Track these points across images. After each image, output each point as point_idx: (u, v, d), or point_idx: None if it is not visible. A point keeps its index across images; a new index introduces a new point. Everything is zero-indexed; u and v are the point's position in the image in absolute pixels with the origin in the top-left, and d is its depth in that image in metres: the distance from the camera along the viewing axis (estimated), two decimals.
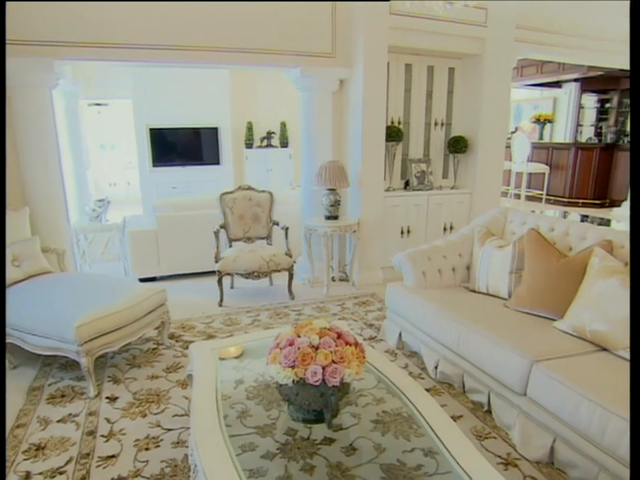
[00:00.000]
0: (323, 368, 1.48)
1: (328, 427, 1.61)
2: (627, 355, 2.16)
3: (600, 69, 8.43)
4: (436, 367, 2.85)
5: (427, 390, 2.73)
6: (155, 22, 3.80)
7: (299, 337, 1.55)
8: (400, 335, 3.25)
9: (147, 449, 2.25)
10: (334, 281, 4.79)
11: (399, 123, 4.84)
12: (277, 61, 4.24)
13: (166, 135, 7.28)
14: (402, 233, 4.83)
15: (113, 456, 2.21)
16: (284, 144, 7.97)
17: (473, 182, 5.01)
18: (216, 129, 7.48)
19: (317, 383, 1.48)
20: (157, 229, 4.70)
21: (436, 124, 5.04)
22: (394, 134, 4.59)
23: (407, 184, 4.94)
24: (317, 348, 1.52)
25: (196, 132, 7.45)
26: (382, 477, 1.49)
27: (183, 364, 3.06)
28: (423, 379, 2.89)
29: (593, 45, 6.23)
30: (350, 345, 1.57)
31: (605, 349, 2.27)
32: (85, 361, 2.67)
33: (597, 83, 9.90)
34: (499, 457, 2.19)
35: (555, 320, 2.53)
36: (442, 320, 2.75)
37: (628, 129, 10.08)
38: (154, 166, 7.26)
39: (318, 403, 1.57)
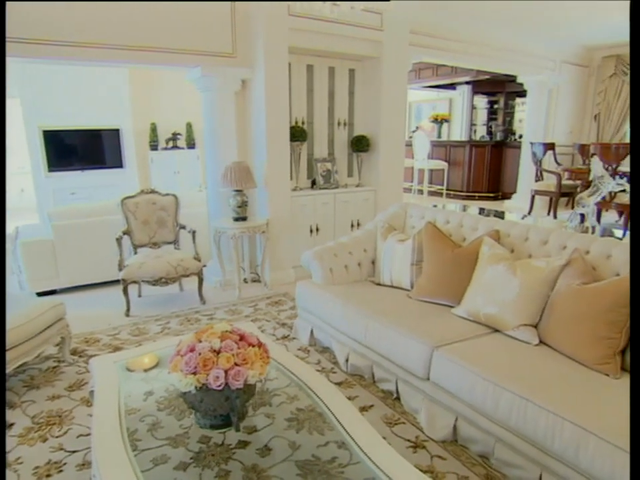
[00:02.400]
0: (225, 371, 1.46)
1: (236, 430, 1.59)
2: (516, 335, 2.35)
3: (487, 73, 9.11)
4: (347, 360, 2.92)
5: (339, 383, 2.82)
6: (46, 15, 3.52)
7: (200, 342, 1.52)
8: (312, 331, 3.29)
9: (48, 476, 2.09)
10: (246, 282, 4.75)
11: (303, 123, 4.90)
12: (176, 61, 4.11)
13: (62, 137, 6.75)
14: (311, 231, 4.90)
15: None
16: (191, 145, 7.76)
17: (377, 179, 5.20)
18: (117, 130, 7.10)
19: (220, 387, 1.46)
20: (53, 238, 4.39)
21: (339, 124, 5.17)
22: (298, 134, 4.65)
23: (313, 183, 5.02)
24: (218, 352, 1.49)
25: (96, 133, 7.00)
26: (297, 473, 1.50)
27: (87, 380, 2.87)
28: (335, 373, 2.96)
29: (479, 51, 6.73)
30: (253, 346, 1.57)
31: (497, 330, 2.45)
32: None
33: (486, 85, 10.68)
34: (409, 440, 2.30)
35: (453, 307, 2.70)
36: (349, 314, 2.83)
37: (514, 127, 10.99)
38: (50, 171, 6.71)
39: (224, 407, 1.55)
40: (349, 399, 2.62)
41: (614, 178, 4.40)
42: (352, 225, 5.13)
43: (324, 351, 3.24)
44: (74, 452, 2.24)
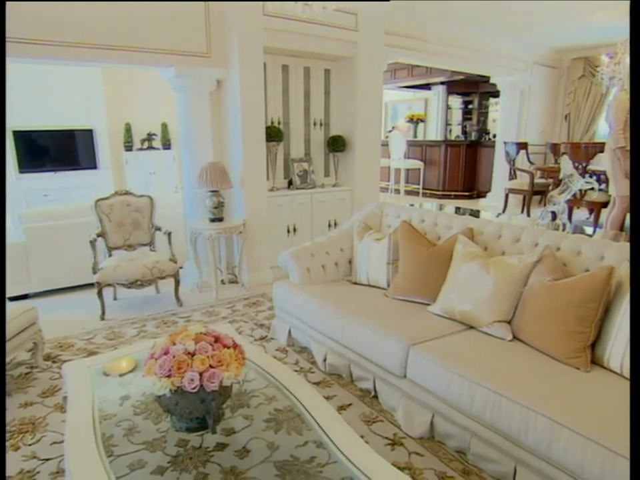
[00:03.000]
0: (200, 374, 1.45)
1: (212, 433, 1.58)
2: (490, 331, 2.39)
3: (461, 74, 9.24)
4: (325, 360, 2.93)
5: (317, 383, 2.82)
6: (16, 13, 3.42)
7: (174, 344, 1.50)
8: (289, 332, 3.29)
9: None
10: (223, 283, 4.72)
11: (279, 123, 4.89)
12: (149, 60, 4.05)
13: (34, 138, 6.57)
14: (288, 231, 4.89)
15: None
16: (166, 146, 7.66)
17: (353, 179, 5.22)
18: (91, 130, 6.97)
19: (195, 390, 1.45)
20: (25, 241, 4.29)
21: (315, 124, 5.17)
22: (274, 134, 4.63)
23: (290, 183, 5.01)
24: (193, 354, 1.48)
25: (69, 134, 6.83)
26: (276, 474, 1.50)
27: (61, 386, 2.81)
28: (313, 372, 2.96)
29: (453, 52, 6.83)
30: (228, 347, 1.56)
31: (472, 327, 2.49)
32: None
33: (460, 86, 10.83)
34: (387, 438, 2.31)
35: (429, 304, 2.73)
36: (327, 313, 2.83)
37: (488, 127, 11.16)
38: (21, 172, 6.55)
39: (199, 409, 1.54)
40: (327, 398, 2.64)
41: (583, 176, 4.52)
42: (329, 225, 5.14)
43: (302, 351, 3.24)
44: (47, 460, 2.20)
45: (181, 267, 4.40)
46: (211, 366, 1.47)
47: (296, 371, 2.97)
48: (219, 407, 1.59)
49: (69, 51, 3.69)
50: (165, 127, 7.61)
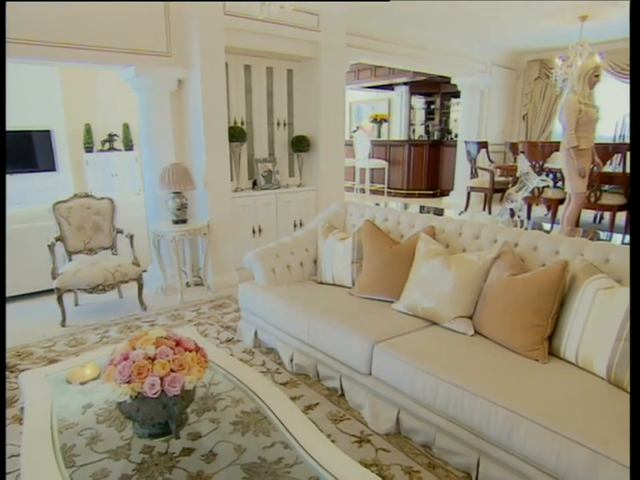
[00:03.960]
0: (161, 378, 1.43)
1: (175, 438, 1.56)
2: (452, 326, 2.44)
3: (423, 74, 9.40)
4: (291, 360, 2.93)
5: (284, 383, 2.82)
6: None
7: (134, 349, 1.47)
8: (256, 333, 3.27)
9: None
10: (189, 286, 4.66)
11: (242, 123, 4.86)
12: (107, 59, 3.95)
13: None
14: (254, 232, 4.86)
15: None
16: (128, 147, 7.49)
17: (318, 179, 5.23)
18: (49, 131, 6.75)
19: (156, 395, 1.42)
20: None
21: (279, 124, 5.16)
22: (237, 134, 4.60)
23: (254, 184, 4.98)
24: (153, 359, 1.46)
25: (25, 135, 6.58)
26: (243, 477, 1.49)
27: (19, 397, 2.71)
28: (280, 373, 2.95)
29: (414, 53, 6.94)
30: (190, 351, 1.54)
31: (435, 323, 2.53)
32: None
33: (422, 86, 11.01)
34: (354, 435, 2.33)
35: (393, 302, 2.76)
36: (292, 313, 2.83)
37: (450, 127, 11.39)
38: None
39: (161, 415, 1.51)
40: (295, 398, 2.64)
41: (539, 175, 4.67)
42: (295, 225, 5.14)
43: (268, 352, 3.22)
44: (6, 474, 2.12)
45: (144, 271, 4.31)
46: (172, 370, 1.45)
47: (263, 372, 2.96)
48: (181, 411, 1.57)
49: (21, 49, 3.55)
50: (126, 127, 7.45)
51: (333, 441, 2.22)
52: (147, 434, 1.59)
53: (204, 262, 4.53)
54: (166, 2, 4.12)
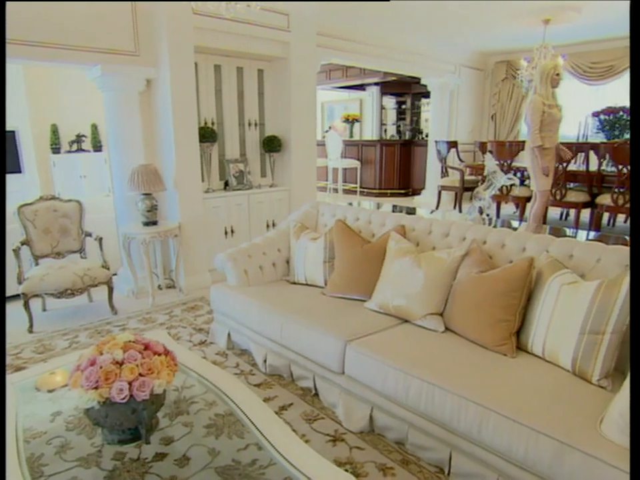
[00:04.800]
0: (129, 383, 1.40)
1: (146, 443, 1.54)
2: (424, 324, 2.47)
3: (394, 75, 9.49)
4: (265, 361, 2.92)
5: (258, 385, 2.81)
6: None
7: (102, 354, 1.45)
8: (229, 335, 3.25)
9: None
10: (160, 289, 4.59)
11: (213, 123, 4.82)
12: (72, 58, 3.85)
13: None
14: (226, 233, 4.83)
15: None
16: (97, 148, 7.33)
17: (290, 179, 5.23)
18: (13, 132, 6.54)
19: (125, 400, 1.40)
20: None
21: (250, 124, 5.14)
22: (208, 135, 4.56)
23: (226, 184, 4.95)
24: (121, 363, 1.43)
25: None
26: None
27: None
28: (254, 374, 2.94)
29: (385, 53, 7.00)
30: (159, 354, 1.52)
31: (406, 321, 2.56)
32: None
33: (394, 86, 11.11)
34: (328, 434, 2.33)
35: (365, 301, 2.78)
36: (265, 314, 2.83)
37: (421, 127, 11.53)
38: None
39: (130, 420, 1.49)
40: (269, 399, 2.64)
41: (507, 173, 4.77)
42: (267, 225, 5.13)
43: (242, 354, 3.21)
44: None
45: (114, 274, 4.24)
46: (140, 374, 1.43)
47: (236, 374, 2.95)
48: (151, 416, 1.55)
49: None
50: (94, 128, 7.29)
51: (307, 441, 2.25)
52: (117, 440, 1.57)
53: (176, 264, 4.48)
54: (133, 2, 4.05)
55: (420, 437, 2.11)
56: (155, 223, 4.21)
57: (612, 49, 7.73)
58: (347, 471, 2.05)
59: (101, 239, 4.01)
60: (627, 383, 1.64)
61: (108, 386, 1.38)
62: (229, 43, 4.47)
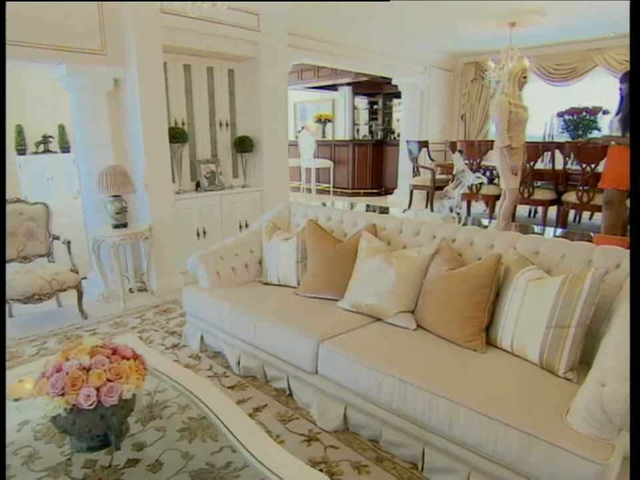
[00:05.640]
0: (97, 389, 1.38)
1: (116, 449, 1.51)
2: (395, 321, 2.49)
3: (365, 75, 9.55)
4: (238, 363, 2.90)
5: (232, 387, 2.79)
6: None
7: (68, 360, 1.41)
8: (202, 337, 3.22)
9: None
10: (132, 292, 4.51)
11: (183, 124, 4.76)
12: (34, 56, 3.73)
13: None
14: (198, 234, 4.78)
15: None
16: (65, 149, 7.15)
17: (262, 180, 5.21)
18: None
19: (93, 406, 1.37)
20: None
21: (221, 124, 5.10)
22: (178, 135, 4.50)
23: (197, 185, 4.89)
24: (88, 369, 1.40)
25: None
26: None
27: None
28: (227, 377, 2.92)
29: (356, 54, 7.04)
30: (127, 359, 1.49)
31: (378, 319, 2.59)
32: None
33: (365, 87, 11.17)
34: (302, 434, 2.34)
35: (337, 300, 2.79)
36: (238, 316, 2.81)
37: (393, 127, 11.63)
38: None
39: (99, 427, 1.46)
40: (243, 401, 2.63)
41: (476, 172, 4.87)
42: (240, 226, 5.09)
43: (215, 356, 3.18)
44: None
45: (84, 278, 4.15)
46: (108, 380, 1.40)
47: (210, 376, 2.92)
48: (121, 421, 1.52)
49: None
50: (62, 128, 7.10)
51: (282, 442, 2.25)
52: (86, 447, 1.53)
53: (147, 267, 4.41)
54: (99, 1, 3.97)
55: (393, 434, 2.13)
56: (125, 226, 4.14)
57: (575, 51, 7.98)
58: (321, 470, 2.06)
59: (69, 242, 3.92)
60: (591, 374, 1.70)
61: (75, 392, 1.35)
62: (198, 43, 4.43)
